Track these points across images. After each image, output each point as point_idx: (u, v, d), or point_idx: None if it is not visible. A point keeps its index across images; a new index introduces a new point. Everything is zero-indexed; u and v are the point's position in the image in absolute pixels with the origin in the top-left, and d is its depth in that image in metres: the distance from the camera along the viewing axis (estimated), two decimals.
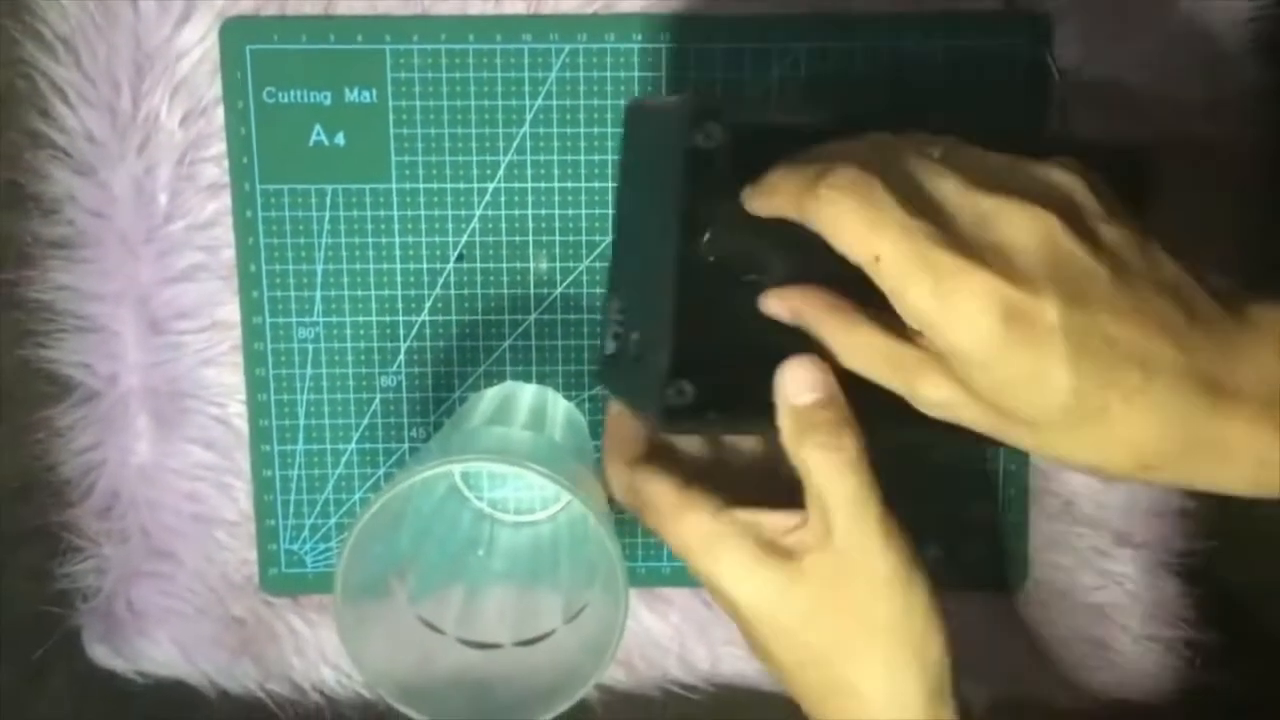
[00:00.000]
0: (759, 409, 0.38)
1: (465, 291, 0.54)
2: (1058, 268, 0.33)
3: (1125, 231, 0.35)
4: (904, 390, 0.36)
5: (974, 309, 0.33)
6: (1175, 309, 0.34)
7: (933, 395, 0.35)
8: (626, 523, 0.56)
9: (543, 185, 0.53)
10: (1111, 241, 0.34)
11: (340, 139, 0.52)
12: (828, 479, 0.38)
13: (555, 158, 0.52)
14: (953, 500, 0.55)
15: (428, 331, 0.54)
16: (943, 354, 0.35)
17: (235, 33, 0.51)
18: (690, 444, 0.44)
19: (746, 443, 0.45)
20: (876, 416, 0.38)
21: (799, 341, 0.38)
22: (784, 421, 0.38)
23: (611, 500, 0.44)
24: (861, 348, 0.37)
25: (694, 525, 0.40)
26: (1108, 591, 0.56)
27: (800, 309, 0.38)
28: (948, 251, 0.33)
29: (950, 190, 0.35)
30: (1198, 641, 0.57)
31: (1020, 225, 0.34)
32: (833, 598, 0.39)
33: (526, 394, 0.53)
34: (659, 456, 0.43)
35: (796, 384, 0.38)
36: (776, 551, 0.39)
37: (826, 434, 0.38)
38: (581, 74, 0.52)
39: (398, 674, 0.44)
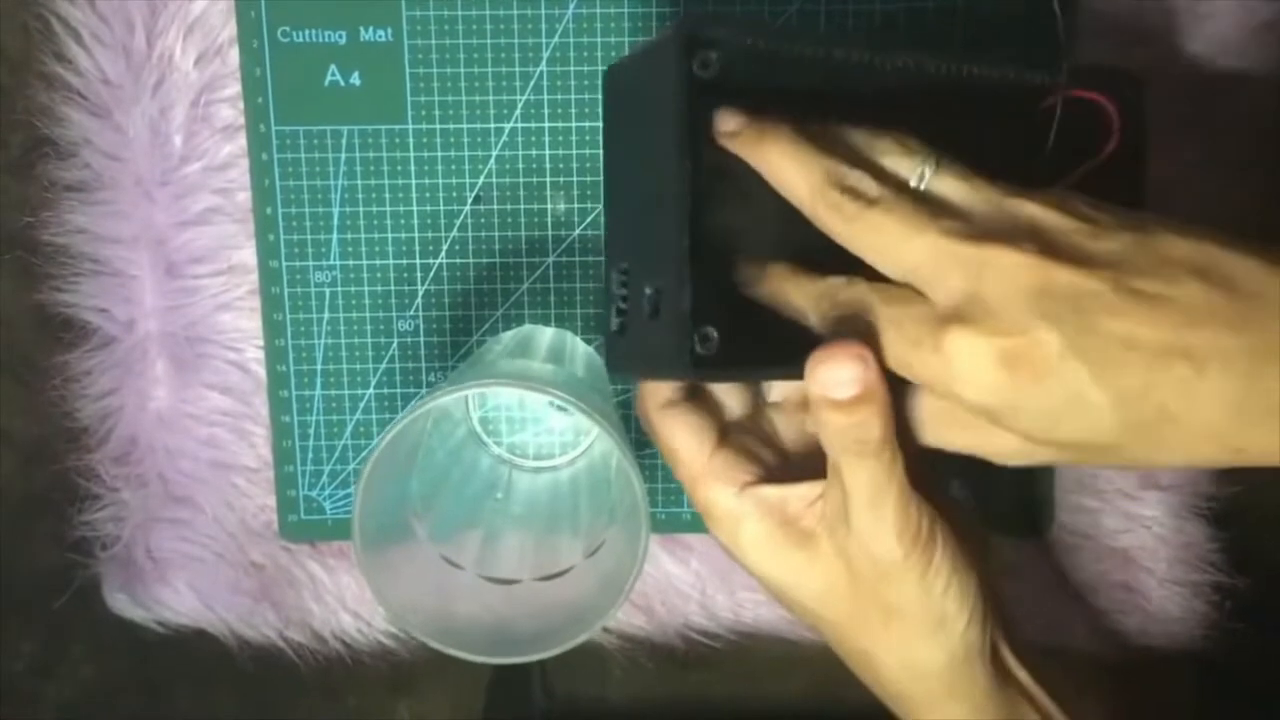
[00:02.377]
0: (788, 353, 0.36)
1: (482, 234, 0.53)
2: (1048, 300, 0.32)
3: (1119, 235, 0.33)
4: (978, 452, 0.36)
5: (969, 365, 0.33)
6: (1208, 289, 0.32)
7: (1002, 449, 0.35)
8: (646, 467, 0.55)
9: (560, 125, 0.52)
10: (1106, 252, 0.33)
11: (356, 79, 0.52)
12: (848, 465, 0.37)
13: (572, 96, 0.52)
14: None
15: (445, 275, 0.53)
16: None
17: None
18: (723, 387, 0.43)
19: (781, 386, 0.43)
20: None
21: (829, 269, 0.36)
22: (812, 405, 0.36)
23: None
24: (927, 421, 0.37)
25: (716, 500, 0.40)
26: (1134, 535, 0.56)
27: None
28: (923, 323, 0.33)
29: (928, 246, 0.34)
30: (1225, 585, 0.56)
31: (1000, 272, 0.33)
32: (849, 579, 0.39)
33: (545, 336, 0.53)
34: (693, 399, 0.41)
35: (831, 379, 0.35)
36: (796, 532, 0.39)
37: (856, 428, 0.36)
38: (599, 10, 0.51)
39: (419, 609, 0.44)
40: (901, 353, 0.34)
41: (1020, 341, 0.32)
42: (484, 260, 0.53)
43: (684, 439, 0.40)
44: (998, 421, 0.34)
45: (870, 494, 0.37)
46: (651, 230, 0.38)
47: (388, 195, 0.53)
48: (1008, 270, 0.33)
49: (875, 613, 0.39)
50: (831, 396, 0.35)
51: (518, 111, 0.52)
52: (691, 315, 0.35)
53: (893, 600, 0.38)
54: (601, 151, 0.41)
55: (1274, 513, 0.57)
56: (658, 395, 0.41)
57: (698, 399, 0.41)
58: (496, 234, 0.53)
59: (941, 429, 0.36)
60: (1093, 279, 0.32)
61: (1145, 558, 0.56)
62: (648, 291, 0.38)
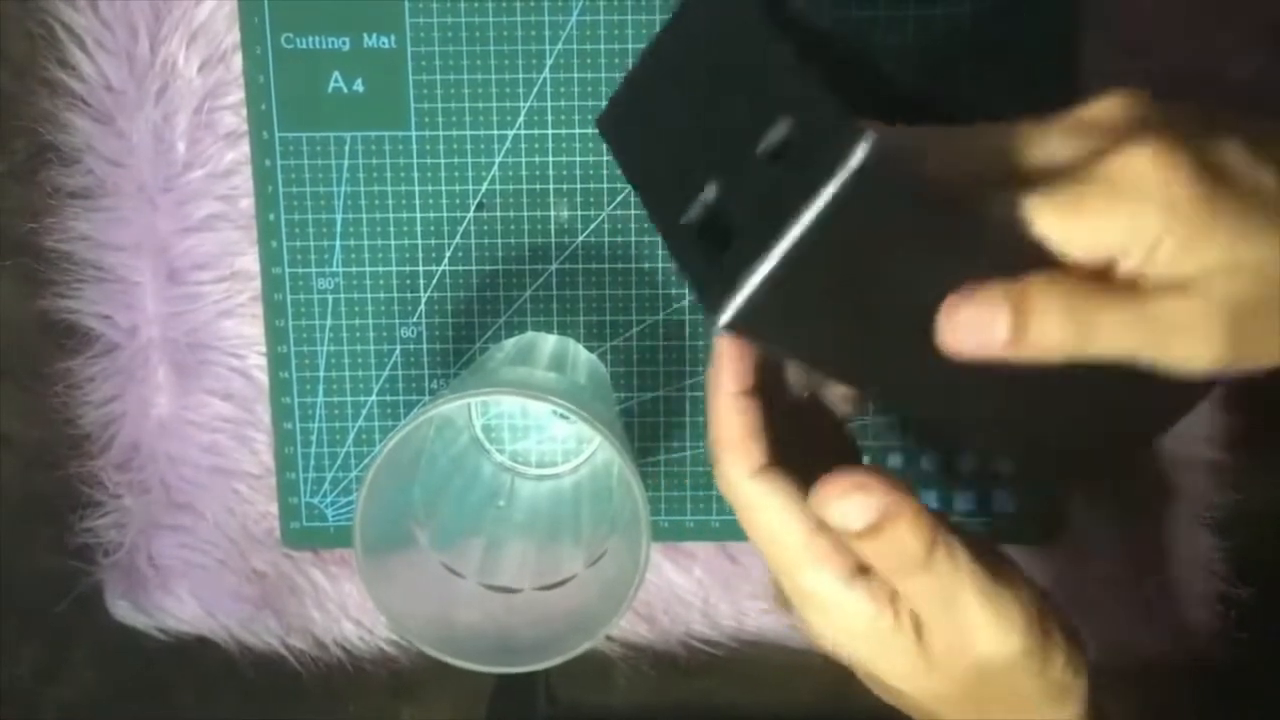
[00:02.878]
0: None
1: (485, 241, 0.53)
2: (1199, 122, 0.30)
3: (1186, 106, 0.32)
4: (1155, 354, 0.30)
5: (1151, 175, 0.29)
6: None
7: (1176, 313, 0.30)
8: (648, 475, 0.55)
9: (563, 132, 0.52)
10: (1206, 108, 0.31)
11: (359, 85, 0.52)
12: (903, 586, 0.33)
13: (576, 103, 0.52)
14: (986, 452, 0.54)
15: (448, 282, 0.53)
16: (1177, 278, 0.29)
17: None
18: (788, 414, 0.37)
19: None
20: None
21: None
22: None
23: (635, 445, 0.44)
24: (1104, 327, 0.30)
25: (825, 588, 0.35)
26: (1138, 544, 0.56)
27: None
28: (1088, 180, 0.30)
29: (1059, 124, 0.31)
30: (1228, 594, 0.56)
31: (1112, 104, 0.31)
32: (965, 675, 0.35)
33: (548, 344, 0.53)
34: (783, 465, 0.35)
35: (841, 514, 0.32)
36: (914, 620, 0.35)
37: (890, 549, 0.32)
38: (602, 17, 0.51)
39: (420, 617, 0.44)
40: (1072, 200, 0.30)
41: (1201, 150, 0.29)
42: (487, 267, 0.53)
43: (783, 515, 0.34)
44: (1188, 250, 0.29)
45: (941, 604, 0.33)
46: (748, 117, 0.32)
47: (390, 202, 0.53)
48: (1114, 101, 0.31)
49: (998, 702, 0.36)
50: (852, 529, 0.32)
51: (521, 118, 0.52)
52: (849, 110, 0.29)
53: (1016, 689, 0.35)
54: (629, 180, 0.37)
55: (1277, 521, 0.57)
56: (748, 458, 0.35)
57: (787, 465, 0.35)
58: (499, 241, 0.53)
59: (1118, 337, 0.30)
60: (1218, 119, 0.31)
61: (1149, 566, 0.56)
62: (761, 148, 0.31)
